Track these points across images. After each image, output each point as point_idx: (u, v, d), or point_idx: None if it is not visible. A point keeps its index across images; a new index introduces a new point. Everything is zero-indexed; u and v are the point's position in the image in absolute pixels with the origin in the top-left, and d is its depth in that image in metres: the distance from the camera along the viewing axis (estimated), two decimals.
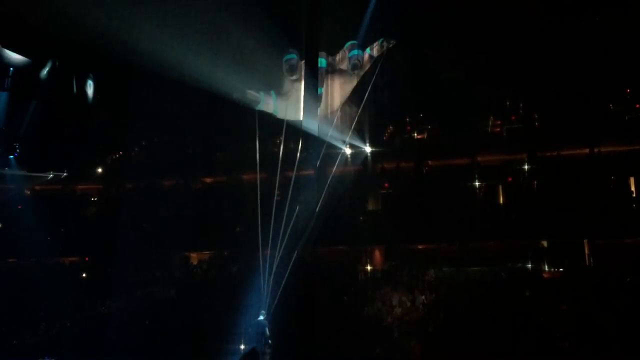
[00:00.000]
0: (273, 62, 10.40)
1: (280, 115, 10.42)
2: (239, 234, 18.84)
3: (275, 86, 10.50)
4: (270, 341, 10.18)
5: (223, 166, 20.95)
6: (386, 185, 19.88)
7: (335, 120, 10.95)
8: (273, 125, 10.80)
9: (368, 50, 10.50)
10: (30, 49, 9.41)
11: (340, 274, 18.00)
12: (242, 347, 14.20)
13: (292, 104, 10.41)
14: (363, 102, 11.02)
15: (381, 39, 10.32)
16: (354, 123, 11.76)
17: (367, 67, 10.49)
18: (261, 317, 10.47)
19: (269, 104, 10.24)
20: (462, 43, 17.34)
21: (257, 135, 10.37)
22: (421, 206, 18.16)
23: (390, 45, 10.25)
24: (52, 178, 17.62)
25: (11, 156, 12.02)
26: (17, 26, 9.08)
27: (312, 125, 10.82)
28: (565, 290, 15.58)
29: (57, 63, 10.45)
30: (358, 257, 19.25)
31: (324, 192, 11.31)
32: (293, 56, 10.29)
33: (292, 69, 10.26)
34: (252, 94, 10.20)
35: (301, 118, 10.49)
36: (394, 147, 19.58)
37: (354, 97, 10.95)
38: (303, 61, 10.31)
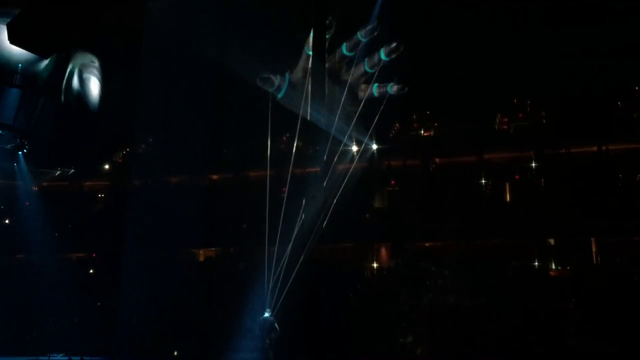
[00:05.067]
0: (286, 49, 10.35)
1: (284, 100, 10.42)
2: (246, 231, 18.88)
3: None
4: (277, 334, 10.16)
5: (230, 163, 20.99)
6: (393, 182, 19.87)
7: (342, 117, 10.94)
8: (281, 122, 10.83)
9: (366, 63, 10.44)
10: (38, 46, 9.42)
11: (347, 271, 18.01)
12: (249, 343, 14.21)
13: (300, 94, 10.37)
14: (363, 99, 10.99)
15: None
16: (361, 120, 11.76)
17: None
18: (267, 314, 10.47)
19: (281, 86, 10.22)
20: (470, 40, 17.27)
21: (269, 132, 10.37)
22: (428, 203, 18.13)
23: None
24: (59, 174, 17.70)
25: (20, 152, 12.07)
26: (25, 22, 9.08)
27: (320, 123, 10.82)
28: (573, 288, 15.54)
29: (65, 59, 10.49)
30: (364, 254, 19.26)
31: (331, 189, 11.31)
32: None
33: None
34: (273, 76, 10.18)
35: (308, 113, 10.48)
36: (400, 145, 19.55)
37: (361, 94, 10.93)
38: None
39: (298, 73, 10.34)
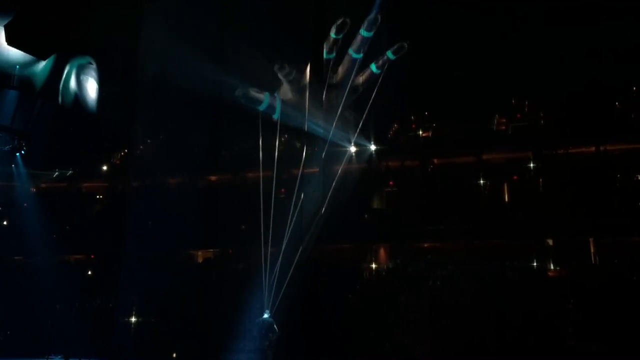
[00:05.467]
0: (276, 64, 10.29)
1: (282, 118, 10.33)
2: (244, 232, 18.86)
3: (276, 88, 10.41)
4: (276, 335, 10.13)
5: (228, 164, 20.99)
6: (391, 183, 19.87)
7: (339, 118, 10.92)
8: (278, 123, 10.81)
9: (373, 66, 10.27)
10: (35, 47, 9.43)
11: (345, 272, 18.00)
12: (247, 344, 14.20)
13: (294, 106, 10.31)
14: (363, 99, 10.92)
15: (388, 51, 10.04)
16: (359, 121, 11.74)
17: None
18: (266, 315, 10.45)
19: (273, 106, 10.13)
20: (468, 41, 17.29)
21: (260, 134, 10.33)
22: (426, 204, 18.14)
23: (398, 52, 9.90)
24: (57, 176, 17.68)
25: (17, 154, 12.04)
26: (23, 24, 9.10)
27: (317, 123, 10.80)
28: (571, 288, 15.54)
29: (62, 61, 10.47)
30: (363, 255, 19.26)
31: (329, 190, 11.29)
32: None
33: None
34: (255, 92, 10.08)
35: (305, 117, 10.45)
36: (399, 145, 19.56)
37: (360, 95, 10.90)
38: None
39: (286, 90, 10.22)
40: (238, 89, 9.87)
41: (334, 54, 9.98)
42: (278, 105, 10.16)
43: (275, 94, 10.35)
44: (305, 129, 10.45)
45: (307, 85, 10.11)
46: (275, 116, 10.28)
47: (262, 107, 10.13)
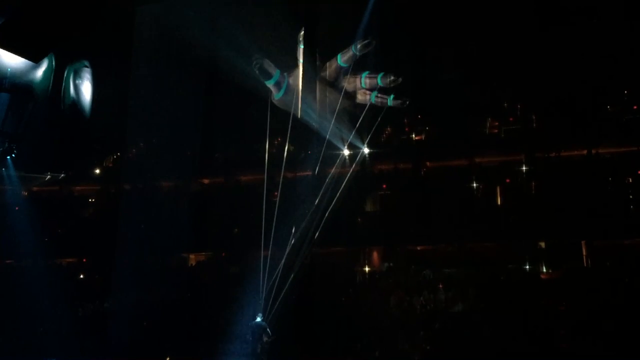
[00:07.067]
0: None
1: (281, 101, 10.31)
2: (237, 235, 18.84)
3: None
4: (269, 339, 10.12)
5: (221, 167, 20.96)
6: (384, 186, 19.88)
7: (333, 121, 10.93)
8: (272, 125, 10.82)
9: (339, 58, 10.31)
10: (27, 49, 9.37)
11: (339, 275, 17.98)
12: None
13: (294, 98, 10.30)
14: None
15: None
16: (354, 124, 11.74)
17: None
18: (258, 319, 10.43)
19: (281, 83, 10.10)
20: (461, 44, 17.34)
21: (267, 135, 10.33)
22: (419, 207, 18.15)
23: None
24: (49, 179, 17.53)
25: (8, 157, 11.93)
26: (15, 27, 9.03)
27: (312, 126, 10.81)
28: (564, 291, 15.59)
29: (54, 63, 10.41)
30: (356, 258, 19.25)
31: (322, 193, 11.29)
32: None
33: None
34: (269, 65, 10.05)
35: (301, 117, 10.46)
36: (392, 149, 19.57)
37: (360, 98, 10.90)
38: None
39: (296, 78, 10.25)
40: (255, 57, 9.84)
41: (348, 65, 10.07)
42: (285, 84, 10.16)
43: (285, 74, 10.35)
44: (300, 121, 10.46)
45: (301, 84, 10.15)
46: (278, 95, 10.26)
47: (270, 82, 10.10)
